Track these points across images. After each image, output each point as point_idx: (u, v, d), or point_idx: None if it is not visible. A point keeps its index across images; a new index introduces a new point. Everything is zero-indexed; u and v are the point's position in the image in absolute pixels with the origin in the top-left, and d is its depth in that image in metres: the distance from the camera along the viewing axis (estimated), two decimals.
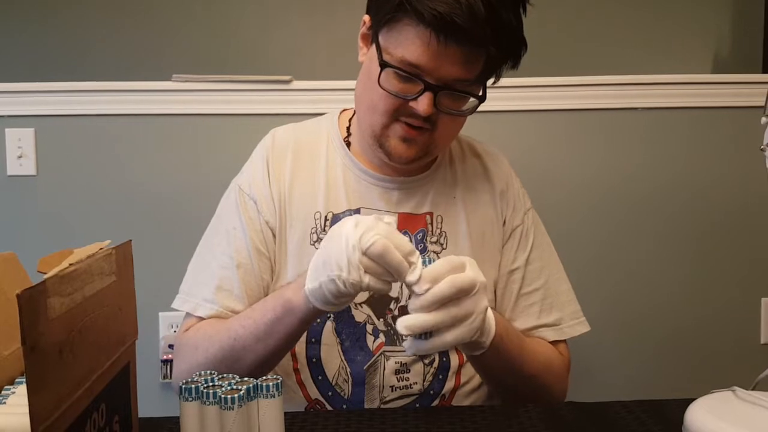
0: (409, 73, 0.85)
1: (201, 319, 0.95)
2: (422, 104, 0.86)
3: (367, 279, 0.73)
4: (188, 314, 0.97)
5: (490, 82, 0.92)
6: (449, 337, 0.75)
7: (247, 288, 0.95)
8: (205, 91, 1.65)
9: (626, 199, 1.72)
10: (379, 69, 0.87)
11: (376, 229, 0.72)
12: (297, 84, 1.64)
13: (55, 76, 1.71)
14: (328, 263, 0.74)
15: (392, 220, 0.77)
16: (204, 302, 0.95)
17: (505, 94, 1.66)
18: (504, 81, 1.65)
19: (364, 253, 0.72)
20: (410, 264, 0.73)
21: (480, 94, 0.89)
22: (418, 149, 0.92)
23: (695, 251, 1.74)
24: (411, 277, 0.72)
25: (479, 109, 0.91)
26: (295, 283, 0.83)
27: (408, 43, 0.84)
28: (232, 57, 1.85)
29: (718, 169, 1.73)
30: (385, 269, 0.73)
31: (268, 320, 0.84)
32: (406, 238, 0.73)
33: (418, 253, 0.74)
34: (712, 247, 1.74)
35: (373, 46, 0.89)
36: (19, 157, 1.66)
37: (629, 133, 1.72)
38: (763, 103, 0.76)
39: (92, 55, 1.85)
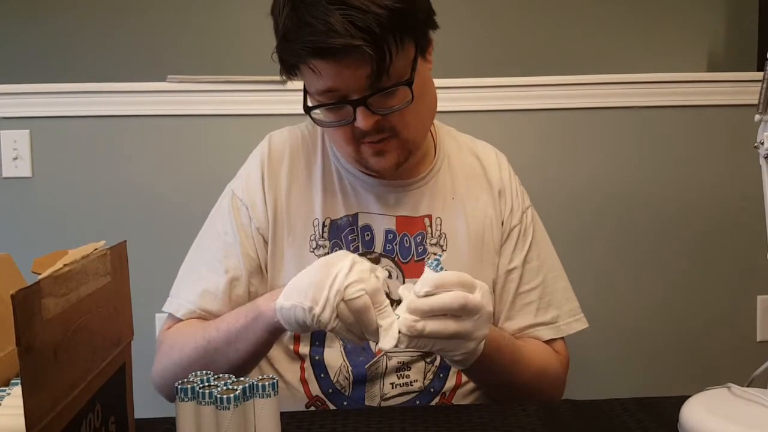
0: (331, 102, 0.87)
1: (179, 320, 0.96)
2: (361, 121, 0.86)
3: (335, 323, 0.73)
4: (170, 314, 0.98)
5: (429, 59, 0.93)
6: (432, 346, 0.76)
7: (233, 294, 0.96)
8: (201, 91, 1.64)
9: (622, 198, 1.73)
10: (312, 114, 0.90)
11: (365, 283, 0.72)
12: (292, 84, 1.63)
13: (50, 77, 1.70)
14: (308, 291, 0.73)
15: (383, 275, 0.76)
16: (186, 303, 0.96)
17: (499, 94, 1.66)
18: (498, 80, 1.67)
19: (346, 301, 0.72)
20: (378, 326, 0.73)
21: (407, 78, 0.87)
22: (397, 154, 0.92)
23: (691, 249, 1.74)
24: (384, 344, 0.72)
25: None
26: (271, 293, 0.84)
27: (312, 80, 0.87)
28: (227, 57, 1.84)
29: (713, 167, 1.73)
30: (356, 322, 0.73)
31: (240, 325, 0.85)
32: (387, 301, 0.74)
33: (392, 318, 0.73)
34: (709, 245, 1.74)
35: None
36: (15, 158, 1.66)
37: (624, 131, 1.72)
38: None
39: (87, 56, 1.85)
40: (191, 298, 0.96)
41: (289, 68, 0.89)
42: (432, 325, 0.72)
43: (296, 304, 0.74)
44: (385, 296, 0.74)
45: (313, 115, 0.90)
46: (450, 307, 0.72)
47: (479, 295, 0.74)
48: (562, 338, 1.03)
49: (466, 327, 0.74)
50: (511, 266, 1.02)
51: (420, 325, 0.72)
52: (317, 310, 0.72)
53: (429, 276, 0.73)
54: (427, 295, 0.72)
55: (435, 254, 0.76)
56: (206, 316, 0.95)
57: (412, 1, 0.85)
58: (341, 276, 0.72)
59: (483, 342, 0.79)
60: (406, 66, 0.87)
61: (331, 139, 0.97)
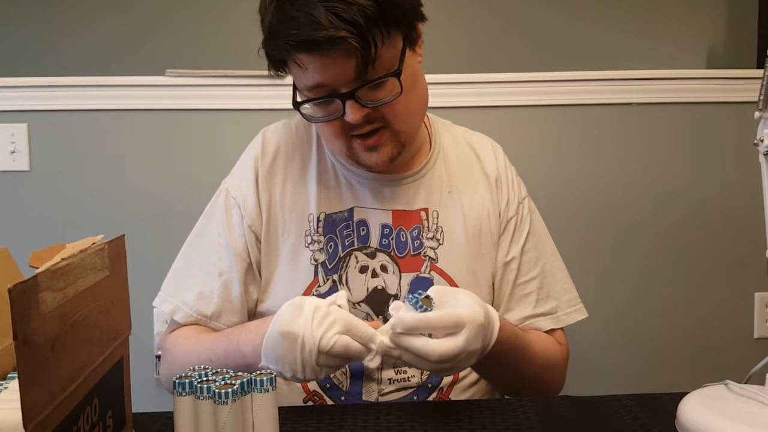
0: (320, 97, 0.87)
1: (181, 324, 0.97)
2: (350, 115, 0.86)
3: (323, 373, 0.75)
4: (171, 317, 0.99)
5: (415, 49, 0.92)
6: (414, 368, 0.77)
7: (227, 296, 0.96)
8: (199, 86, 1.64)
9: (620, 195, 1.73)
10: (302, 109, 0.90)
11: (335, 326, 0.72)
12: (291, 79, 1.64)
13: (48, 70, 1.70)
14: (284, 365, 0.75)
15: (344, 301, 0.76)
16: (183, 306, 0.96)
17: (497, 90, 1.66)
18: (493, 76, 1.67)
19: (326, 354, 0.72)
20: (369, 350, 0.74)
21: (395, 69, 0.86)
22: (390, 149, 0.91)
23: (689, 246, 1.74)
24: (371, 364, 0.74)
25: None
26: (252, 341, 0.83)
27: (300, 74, 0.87)
28: (227, 51, 1.84)
29: (712, 164, 1.73)
30: (346, 361, 0.75)
31: (232, 364, 0.86)
32: (364, 324, 0.74)
33: (379, 338, 0.74)
34: (706, 242, 1.74)
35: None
36: (12, 152, 1.65)
37: (622, 128, 1.72)
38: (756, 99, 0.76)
39: (86, 49, 1.84)
40: (188, 301, 0.96)
41: (277, 65, 0.89)
42: (407, 357, 0.74)
43: (278, 370, 0.76)
44: (360, 322, 0.74)
45: (302, 111, 0.90)
46: (425, 355, 0.72)
47: (462, 339, 0.72)
48: (562, 328, 1.03)
49: (444, 366, 0.74)
50: (509, 258, 1.01)
51: (396, 353, 0.74)
52: (299, 375, 0.74)
53: (405, 318, 0.72)
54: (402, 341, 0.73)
55: (419, 292, 0.75)
56: (203, 320, 0.96)
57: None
58: (308, 336, 0.72)
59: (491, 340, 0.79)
60: (394, 58, 0.86)
61: (322, 135, 0.97)
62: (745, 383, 0.76)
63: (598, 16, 1.92)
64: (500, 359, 0.83)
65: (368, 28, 0.81)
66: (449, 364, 0.74)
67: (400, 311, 0.74)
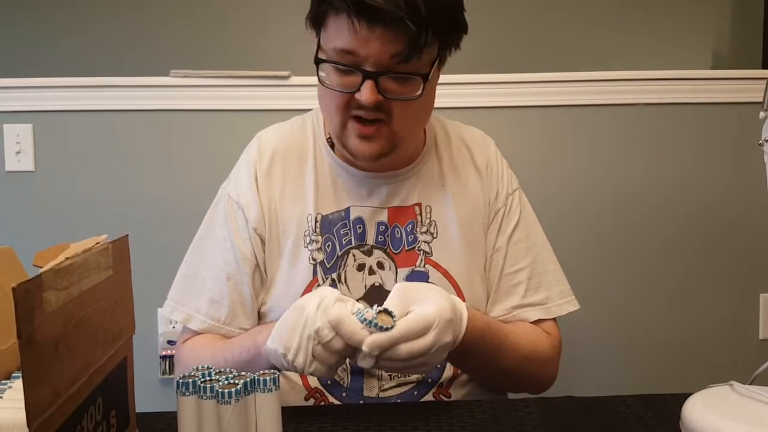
0: (345, 64, 0.86)
1: (195, 332, 0.97)
2: (365, 93, 0.85)
3: (312, 368, 0.74)
4: (184, 326, 0.99)
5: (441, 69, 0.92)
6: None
7: (238, 299, 0.97)
8: (204, 86, 1.64)
9: (624, 194, 1.72)
10: (320, 69, 0.89)
11: (328, 314, 0.72)
12: (295, 79, 1.64)
13: (54, 71, 1.70)
14: (283, 336, 0.75)
15: (353, 306, 0.75)
16: (196, 314, 0.97)
17: (501, 90, 1.66)
18: (501, 77, 1.67)
19: (323, 345, 0.73)
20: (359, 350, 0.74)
21: (425, 72, 0.87)
22: (381, 145, 0.90)
23: (694, 246, 1.74)
24: (362, 363, 0.74)
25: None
26: (267, 330, 0.84)
27: (336, 35, 0.85)
28: (231, 52, 1.84)
29: (716, 165, 1.73)
30: (340, 358, 0.75)
31: (245, 359, 0.87)
32: (358, 326, 0.72)
33: (367, 341, 0.72)
34: (711, 243, 1.74)
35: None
36: (18, 152, 1.66)
37: (628, 128, 1.71)
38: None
39: (90, 50, 1.85)
40: (200, 308, 0.97)
41: (318, 16, 0.88)
42: (384, 363, 0.75)
43: (276, 348, 0.76)
44: (354, 324, 0.72)
45: (320, 70, 0.88)
46: (393, 355, 0.73)
47: (431, 336, 0.73)
48: (554, 319, 1.02)
49: (415, 363, 0.75)
50: (496, 247, 1.01)
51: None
52: (290, 356, 0.74)
53: (379, 341, 0.71)
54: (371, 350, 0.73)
55: (365, 311, 0.74)
56: (217, 327, 0.96)
57: (457, 9, 0.87)
58: (311, 318, 0.73)
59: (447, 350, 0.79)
60: (427, 62, 0.87)
61: (324, 103, 0.94)
62: (750, 384, 0.76)
63: (603, 17, 1.91)
64: (472, 351, 0.84)
65: (425, 21, 0.82)
66: (420, 359, 0.74)
67: (372, 335, 0.72)
